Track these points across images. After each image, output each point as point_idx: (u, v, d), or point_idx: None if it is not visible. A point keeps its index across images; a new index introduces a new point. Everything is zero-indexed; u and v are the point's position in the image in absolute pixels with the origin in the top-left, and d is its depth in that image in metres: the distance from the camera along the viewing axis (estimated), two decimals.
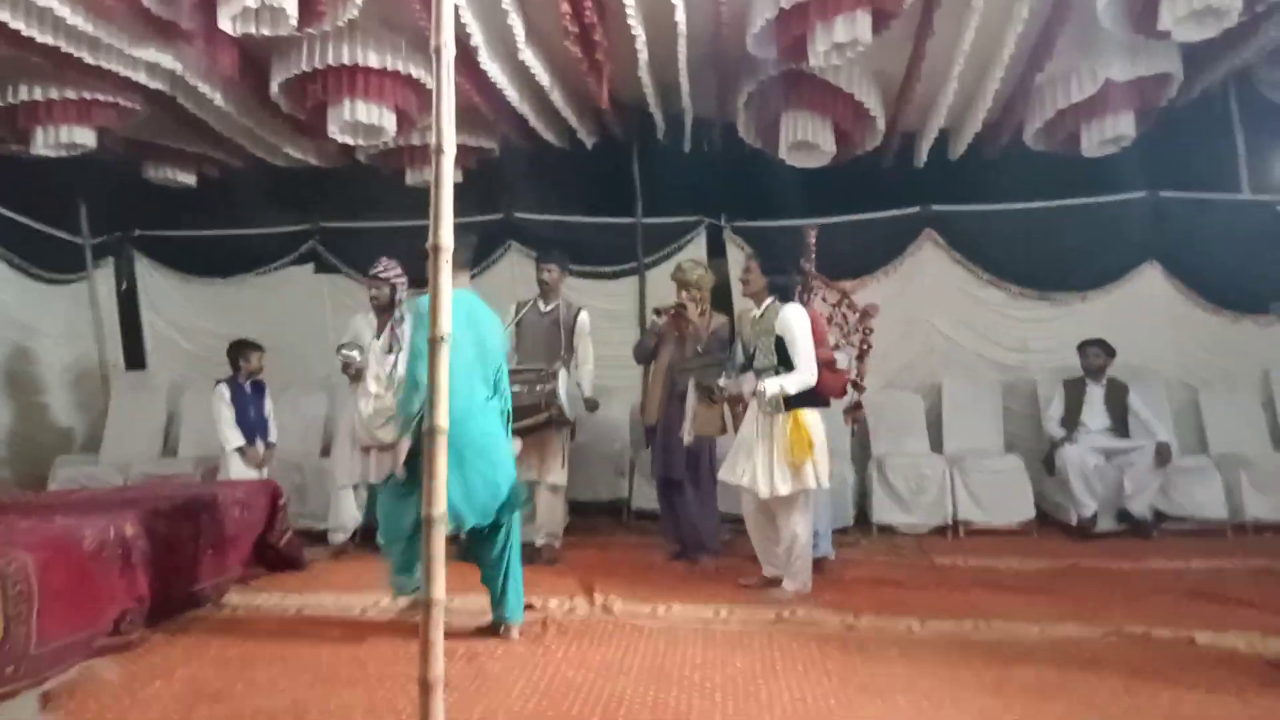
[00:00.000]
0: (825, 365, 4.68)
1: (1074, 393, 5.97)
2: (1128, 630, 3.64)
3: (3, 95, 5.01)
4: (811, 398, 4.23)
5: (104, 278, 7.39)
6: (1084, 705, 2.87)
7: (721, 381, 4.65)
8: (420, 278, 3.60)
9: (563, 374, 4.93)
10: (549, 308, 5.33)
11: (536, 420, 4.77)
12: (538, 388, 4.78)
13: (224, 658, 3.37)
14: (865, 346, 4.97)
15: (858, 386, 4.86)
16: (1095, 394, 5.91)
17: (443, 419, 2.57)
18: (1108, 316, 6.46)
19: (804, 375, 4.16)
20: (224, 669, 3.23)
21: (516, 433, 4.72)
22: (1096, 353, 5.91)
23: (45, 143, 5.32)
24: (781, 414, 4.13)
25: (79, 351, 7.30)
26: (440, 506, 2.54)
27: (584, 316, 5.39)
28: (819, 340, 4.72)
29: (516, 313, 5.34)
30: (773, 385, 4.13)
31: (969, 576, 4.66)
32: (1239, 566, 4.84)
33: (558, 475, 5.05)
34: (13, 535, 3.25)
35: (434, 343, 2.55)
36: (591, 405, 5.41)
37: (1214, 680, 3.09)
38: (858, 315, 5.23)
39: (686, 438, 4.87)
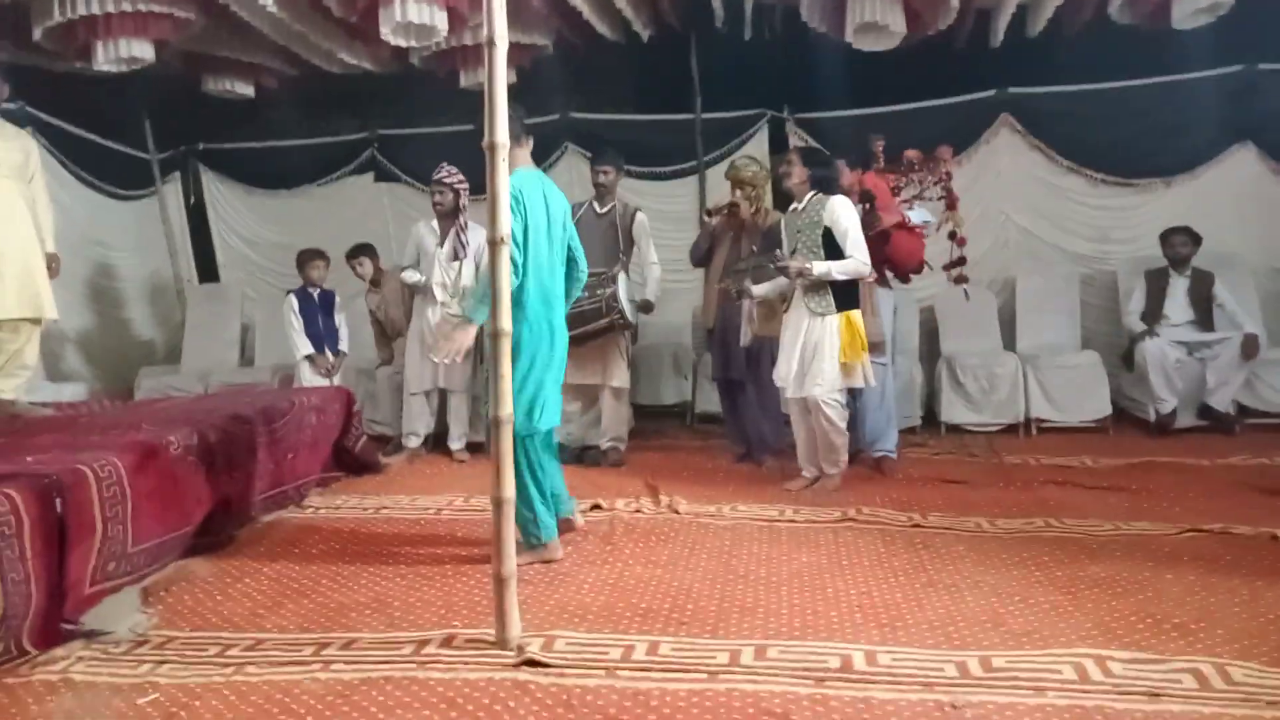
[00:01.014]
0: (899, 228, 4.57)
1: (1156, 284, 5.71)
2: (1205, 526, 3.55)
3: (62, 11, 5.01)
4: (855, 298, 4.19)
5: (172, 192, 7.51)
6: (1157, 601, 2.83)
7: (747, 283, 4.52)
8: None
9: (621, 277, 4.89)
10: (605, 209, 5.24)
11: (598, 325, 4.76)
12: (598, 292, 4.74)
13: (308, 555, 3.53)
14: (953, 196, 4.82)
15: (956, 238, 4.75)
16: (1179, 285, 5.65)
17: (505, 321, 2.58)
18: (1195, 202, 6.12)
19: (856, 263, 4.08)
20: (308, 566, 3.39)
21: (578, 339, 4.76)
22: (1182, 241, 5.61)
23: (105, 58, 5.32)
24: (833, 315, 4.09)
25: (153, 265, 7.49)
26: (507, 408, 2.58)
27: (641, 216, 5.30)
28: (886, 205, 4.59)
29: (572, 215, 5.26)
30: (820, 266, 4.06)
31: (1040, 474, 4.58)
32: None
33: (621, 378, 5.06)
34: (104, 441, 3.41)
35: (494, 244, 2.55)
36: (646, 307, 5.35)
37: None
38: (931, 166, 5.03)
39: (743, 339, 4.80)
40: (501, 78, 2.50)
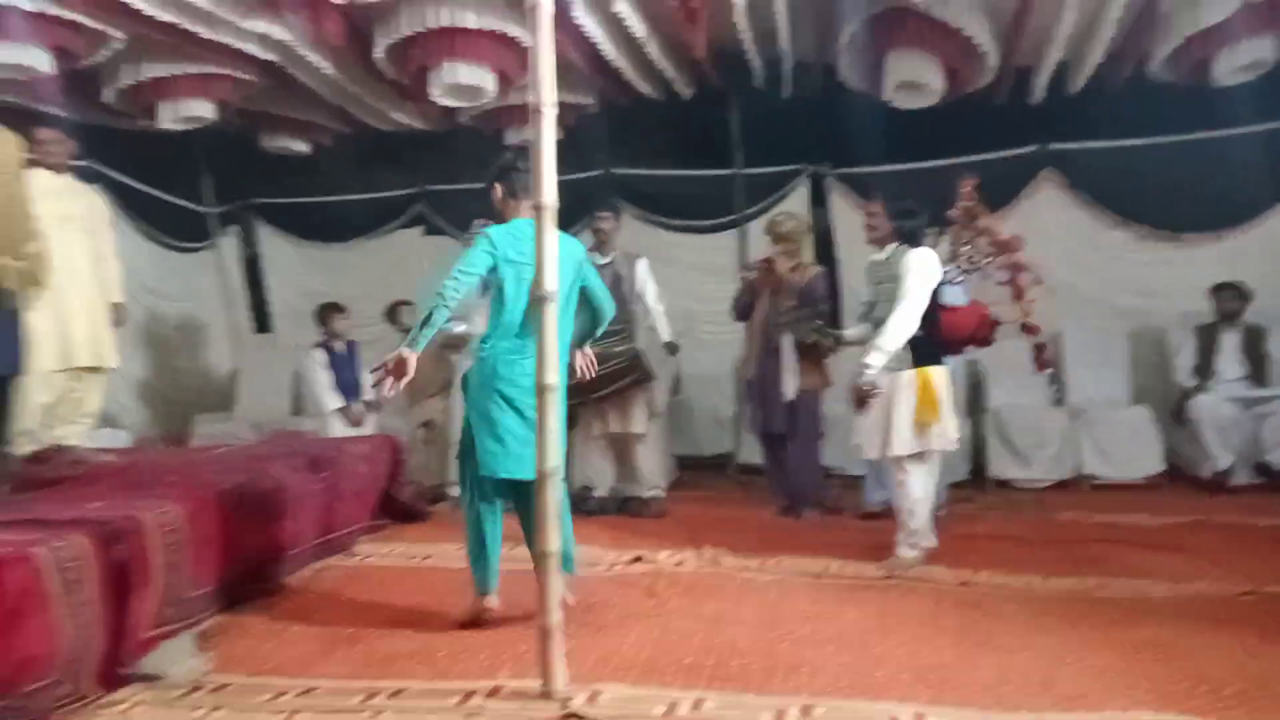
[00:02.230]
0: (940, 308, 4.49)
1: (1207, 339, 5.65)
2: (1264, 589, 3.47)
3: (131, 75, 5.30)
4: (935, 354, 3.94)
5: (228, 245, 7.80)
6: (1211, 666, 2.76)
7: (835, 331, 4.45)
8: (497, 216, 3.48)
9: (634, 331, 4.94)
10: (606, 260, 5.11)
11: (624, 384, 4.82)
12: (618, 349, 4.77)
13: (357, 603, 3.57)
14: (1019, 282, 4.62)
15: (1030, 329, 4.53)
16: (1230, 340, 5.59)
17: (552, 376, 2.64)
18: (1242, 257, 6.08)
19: (900, 322, 3.78)
20: (358, 614, 3.43)
21: (607, 397, 4.81)
22: (1231, 295, 5.57)
23: (169, 117, 5.63)
24: (908, 370, 3.85)
25: (208, 315, 7.74)
26: (553, 461, 2.63)
27: (643, 263, 5.28)
28: None
29: None
30: (873, 359, 3.78)
31: (1093, 532, 4.51)
32: None
33: (641, 425, 5.02)
34: (165, 488, 3.52)
35: (540, 301, 2.61)
36: (673, 349, 5.36)
37: None
38: (998, 249, 4.91)
39: (788, 393, 4.81)
40: (550, 142, 2.60)
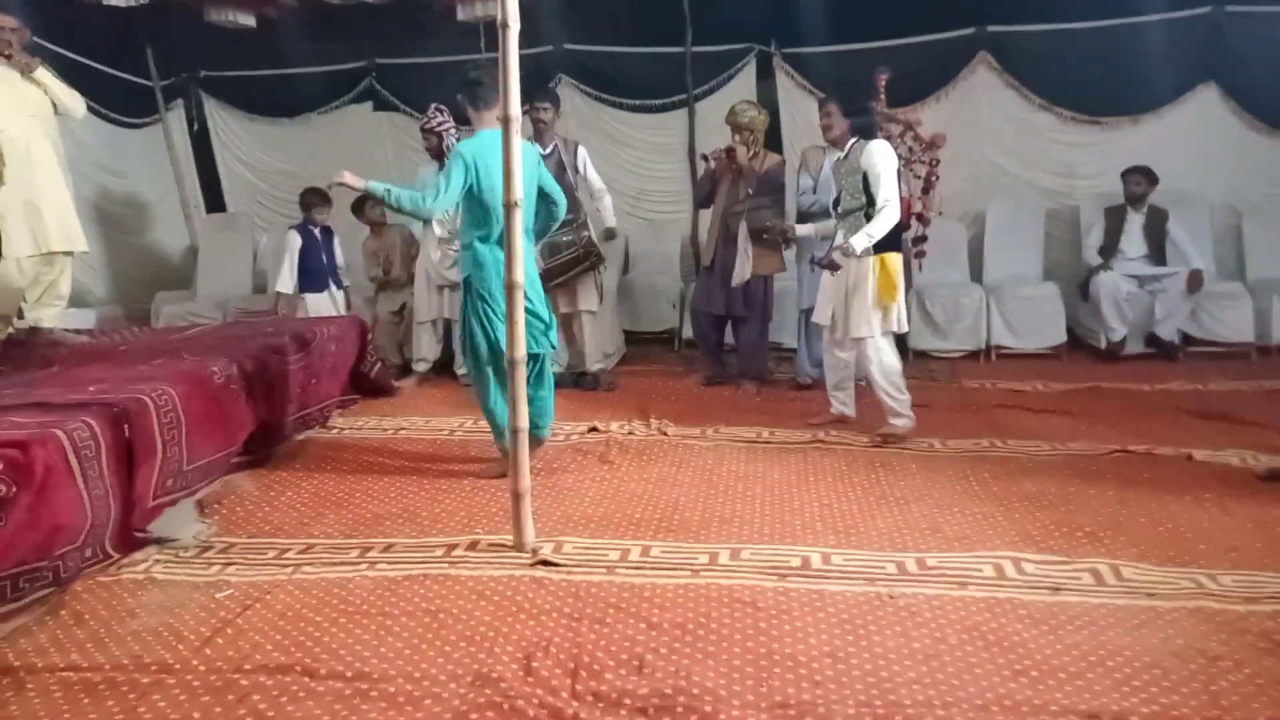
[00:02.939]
0: None
1: (1114, 220, 6.10)
2: (1131, 447, 4.03)
3: None
4: (896, 240, 4.19)
5: (176, 119, 7.70)
6: (1077, 513, 3.31)
7: (771, 222, 4.73)
8: (461, 116, 3.83)
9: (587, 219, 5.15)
10: (548, 150, 5.23)
11: (581, 269, 5.11)
12: (571, 237, 5.01)
13: (339, 471, 3.97)
14: (933, 179, 4.95)
15: (922, 219, 4.87)
16: (1135, 222, 6.03)
17: (519, 274, 2.96)
18: (1159, 140, 6.44)
19: (888, 215, 4.06)
20: (341, 481, 3.84)
21: (563, 283, 5.11)
22: (1138, 180, 5.97)
23: None
24: (870, 257, 4.10)
25: (160, 192, 7.74)
26: (521, 350, 2.99)
27: (583, 151, 5.44)
28: None
29: None
30: (860, 242, 4.05)
31: (994, 398, 5.05)
32: (1255, 388, 5.14)
33: (591, 302, 5.31)
34: (154, 371, 3.82)
35: (509, 208, 2.91)
36: (610, 235, 5.57)
37: (1200, 491, 3.50)
38: (923, 146, 5.30)
39: (737, 278, 5.12)
40: (514, 58, 2.82)
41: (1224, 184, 6.54)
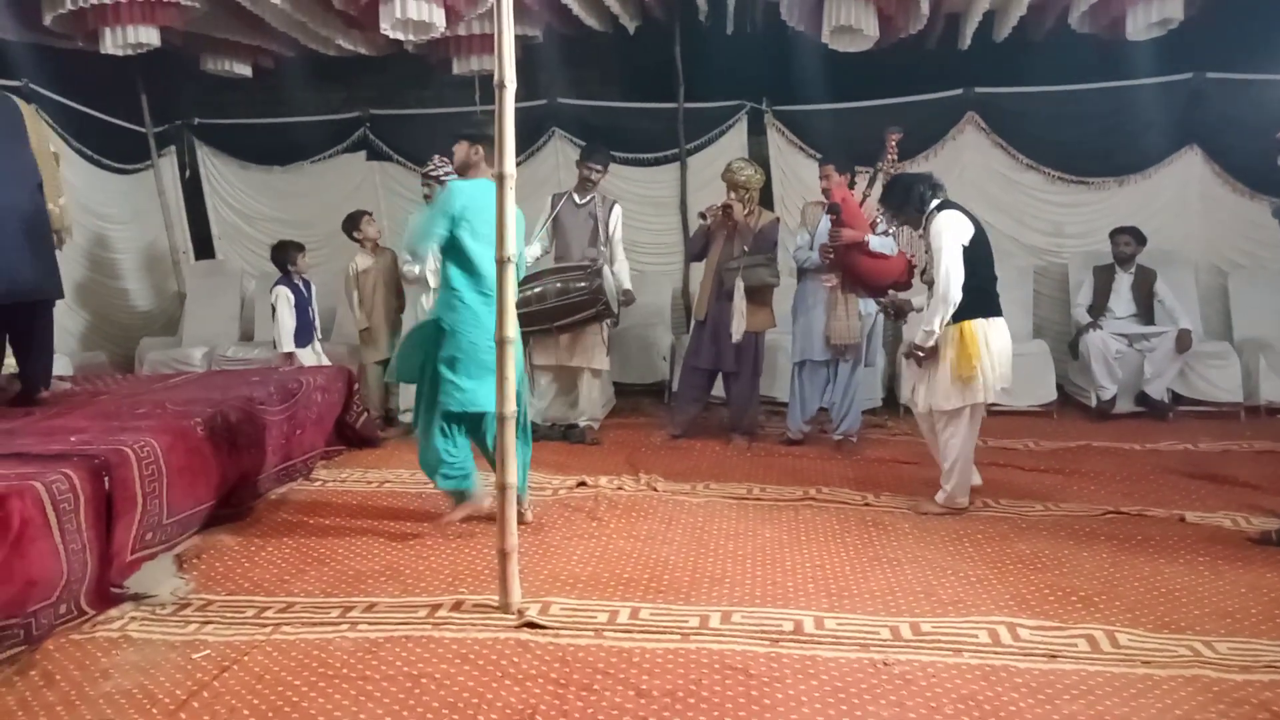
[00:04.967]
0: (857, 249, 4.88)
1: (1103, 279, 6.15)
2: (1124, 508, 4.01)
3: (75, 1, 5.22)
4: (984, 305, 3.95)
5: (168, 165, 7.71)
6: (1071, 575, 3.28)
7: (892, 300, 4.56)
8: (461, 164, 3.84)
9: (606, 269, 5.20)
10: (584, 200, 5.44)
11: (586, 315, 5.10)
12: (582, 284, 5.04)
13: (322, 526, 3.90)
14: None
15: (911, 267, 4.89)
16: (1124, 281, 6.09)
17: (511, 329, 2.94)
18: (1144, 201, 6.54)
19: (941, 301, 3.85)
20: (324, 536, 3.76)
21: (566, 326, 5.11)
22: (1126, 240, 6.04)
23: (113, 43, 5.55)
24: (949, 326, 3.91)
25: (149, 238, 7.72)
26: (511, 405, 2.95)
27: (618, 210, 5.54)
28: (854, 220, 4.90)
29: (553, 206, 5.47)
30: (921, 338, 3.95)
31: (986, 456, 4.96)
32: (1245, 448, 5.14)
33: (601, 361, 5.38)
34: (137, 421, 3.76)
35: (500, 264, 2.89)
36: (628, 299, 5.62)
37: (1194, 554, 3.48)
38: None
39: (735, 335, 5.12)
40: (509, 117, 2.83)
41: (1208, 244, 6.63)
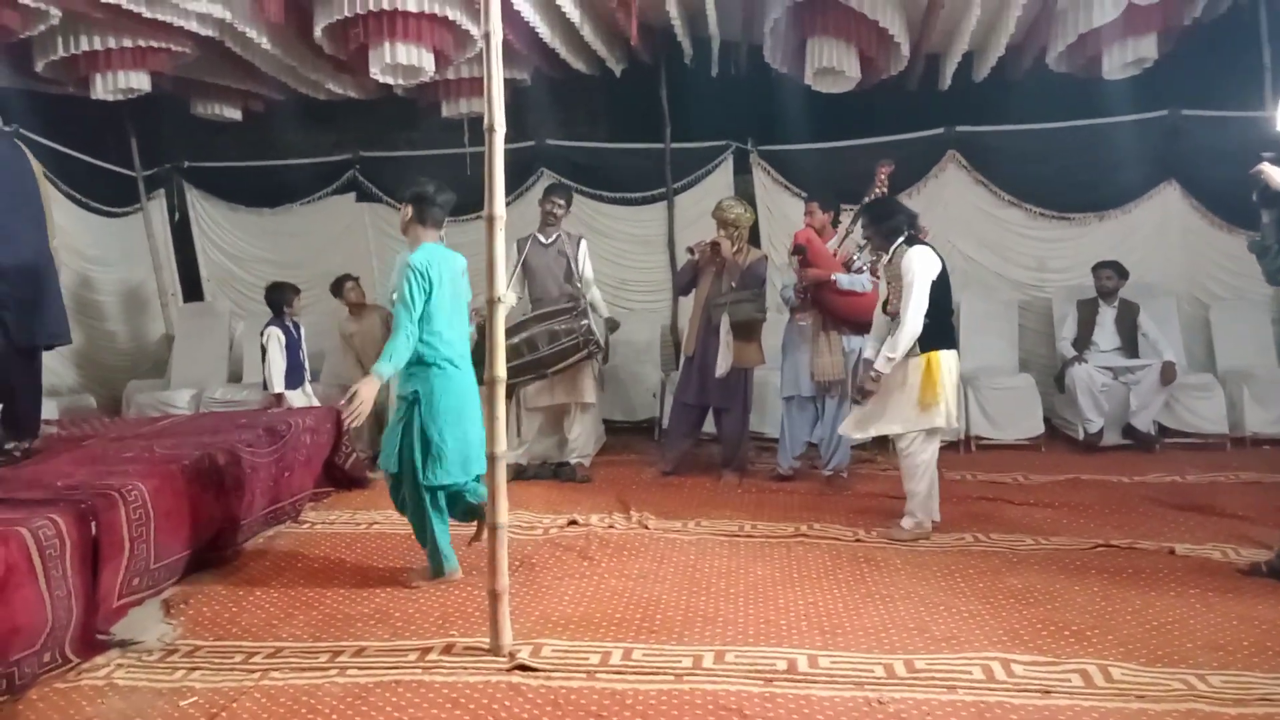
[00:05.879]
0: (823, 287, 4.93)
1: (1087, 313, 6.22)
2: (1114, 541, 4.02)
3: (66, 47, 5.27)
4: (947, 337, 4.17)
5: (157, 209, 7.73)
6: (1063, 609, 3.28)
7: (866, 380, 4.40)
8: (402, 224, 3.67)
9: (590, 309, 5.18)
10: (550, 240, 5.40)
11: (578, 358, 5.09)
12: (566, 326, 5.01)
13: (310, 569, 3.86)
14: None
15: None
16: (1107, 315, 6.16)
17: (501, 368, 2.95)
18: (1125, 235, 6.64)
19: (905, 332, 4.01)
20: (312, 579, 3.72)
21: (559, 372, 5.11)
22: (1109, 274, 6.11)
23: (104, 88, 5.61)
24: (916, 355, 4.07)
25: (137, 280, 7.72)
26: (502, 445, 2.95)
27: (584, 244, 5.53)
28: (819, 261, 4.97)
29: (519, 251, 5.39)
30: (882, 364, 4.07)
31: (975, 490, 5.03)
32: (1232, 479, 5.16)
33: (590, 394, 5.34)
34: (125, 465, 3.73)
35: (491, 304, 2.92)
36: (613, 326, 5.60)
37: (1184, 587, 3.48)
38: None
39: (720, 370, 5.13)
40: (499, 160, 2.87)
41: (1189, 277, 6.72)
